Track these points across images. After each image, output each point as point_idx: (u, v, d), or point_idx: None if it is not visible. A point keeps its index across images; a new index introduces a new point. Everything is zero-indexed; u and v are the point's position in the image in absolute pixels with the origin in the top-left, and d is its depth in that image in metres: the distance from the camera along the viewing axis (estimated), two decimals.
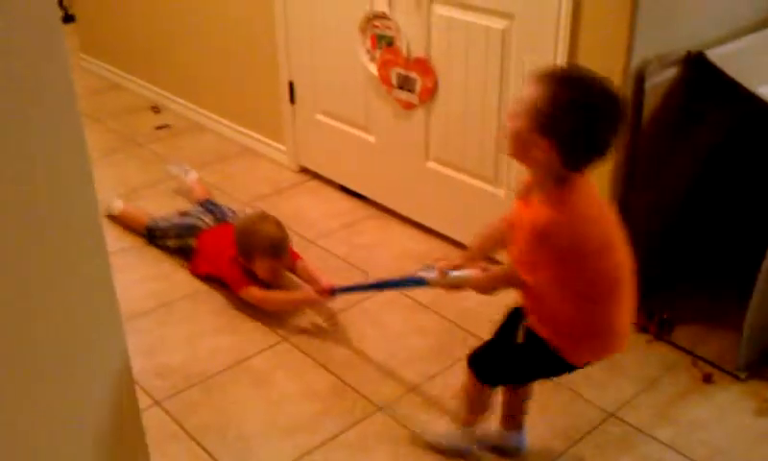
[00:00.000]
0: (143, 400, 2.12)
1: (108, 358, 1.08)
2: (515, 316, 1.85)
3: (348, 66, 3.03)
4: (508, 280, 1.72)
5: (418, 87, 2.79)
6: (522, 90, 1.60)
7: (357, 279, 2.69)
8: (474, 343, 2.38)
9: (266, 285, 2.57)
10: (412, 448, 2.03)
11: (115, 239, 2.93)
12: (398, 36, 2.78)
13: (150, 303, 2.60)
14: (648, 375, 2.30)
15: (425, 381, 2.26)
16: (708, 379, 2.27)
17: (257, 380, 2.27)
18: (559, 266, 1.60)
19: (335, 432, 2.08)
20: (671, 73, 2.37)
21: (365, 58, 2.94)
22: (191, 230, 2.81)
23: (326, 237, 2.98)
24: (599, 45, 2.29)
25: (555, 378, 2.01)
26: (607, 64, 2.27)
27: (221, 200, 3.08)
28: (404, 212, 3.08)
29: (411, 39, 2.76)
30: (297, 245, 2.79)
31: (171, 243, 2.86)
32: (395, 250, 2.91)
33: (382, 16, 2.81)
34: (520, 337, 1.80)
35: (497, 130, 2.61)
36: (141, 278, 2.75)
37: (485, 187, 2.74)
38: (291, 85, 3.34)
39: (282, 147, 3.50)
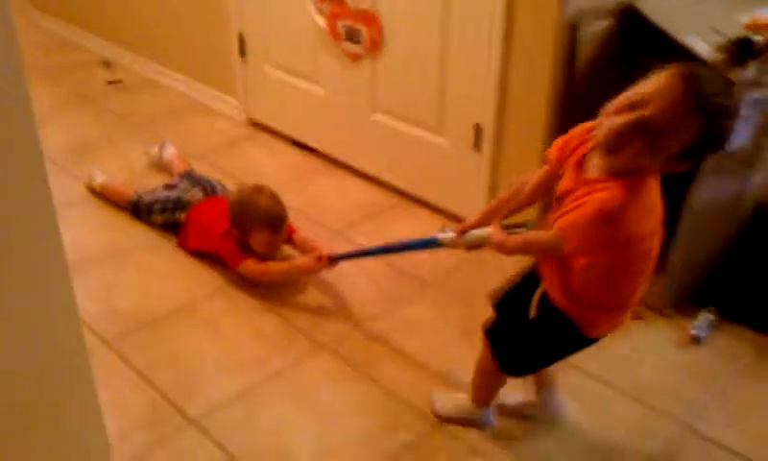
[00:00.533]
0: (92, 341, 2.19)
1: (54, 299, 1.12)
2: (522, 289, 1.80)
3: (297, 18, 3.08)
4: (545, 248, 1.63)
5: (364, 39, 2.85)
6: (639, 87, 1.47)
7: (311, 229, 2.76)
8: (418, 287, 2.51)
9: (261, 258, 2.50)
10: (354, 384, 2.13)
11: (71, 191, 2.97)
12: None
13: (103, 252, 2.65)
14: None
15: (369, 321, 2.36)
16: (637, 317, 2.40)
17: (206, 323, 2.35)
18: (610, 246, 1.53)
19: (281, 369, 2.17)
20: (604, 24, 2.47)
21: (313, 10, 2.99)
22: (179, 204, 2.71)
23: (278, 189, 3.03)
24: None
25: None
26: (542, 15, 2.36)
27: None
28: (353, 163, 3.16)
29: None
30: None
31: (157, 218, 2.74)
32: (345, 200, 2.99)
33: None
34: (533, 312, 1.74)
35: (440, 79, 2.69)
36: (96, 227, 2.79)
37: (429, 137, 2.82)
38: (241, 39, 3.38)
39: (233, 101, 3.55)
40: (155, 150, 3.17)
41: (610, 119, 1.47)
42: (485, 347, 1.87)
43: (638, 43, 2.52)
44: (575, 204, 1.52)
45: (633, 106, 1.44)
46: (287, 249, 2.61)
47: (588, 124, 1.62)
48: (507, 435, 1.99)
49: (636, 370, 2.19)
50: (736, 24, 2.48)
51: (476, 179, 2.72)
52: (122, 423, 1.96)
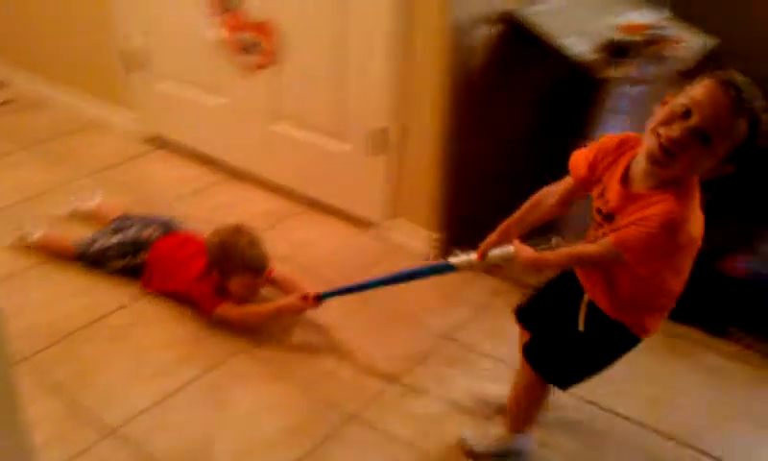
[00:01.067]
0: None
1: None
2: (552, 300, 1.86)
3: (194, 32, 3.10)
4: (596, 261, 1.64)
5: (261, 50, 2.91)
6: (681, 97, 1.52)
7: None
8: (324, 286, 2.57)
9: (238, 300, 2.41)
10: (269, 385, 2.19)
11: None
12: (242, 1, 2.89)
13: (3, 271, 2.60)
14: (479, 301, 2.56)
15: (281, 324, 2.42)
16: None
17: (117, 335, 2.35)
18: (673, 255, 1.58)
19: (197, 375, 2.20)
20: (490, 29, 2.62)
21: (210, 23, 3.03)
22: (138, 245, 2.56)
23: (179, 202, 3.06)
24: (428, 4, 2.49)
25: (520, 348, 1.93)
26: (432, 21, 2.49)
27: (67, 173, 3.07)
28: (255, 172, 3.20)
29: (254, 4, 2.88)
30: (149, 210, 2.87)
31: (116, 264, 2.57)
32: (249, 210, 3.01)
33: None
34: (581, 324, 1.74)
35: (339, 87, 2.78)
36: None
37: (332, 143, 2.90)
38: (136, 54, 3.37)
39: (129, 116, 3.53)
40: (76, 203, 2.94)
41: (663, 129, 1.51)
42: (526, 367, 1.85)
43: (522, 46, 2.70)
44: (631, 218, 1.55)
45: (683, 115, 1.49)
46: (264, 290, 2.50)
47: (616, 137, 1.68)
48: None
49: None
50: (609, 27, 2.69)
51: (380, 181, 2.82)
52: (39, 437, 1.94)
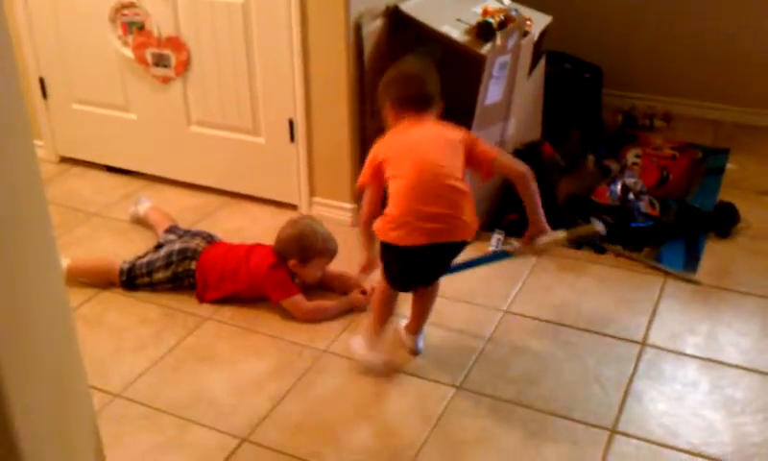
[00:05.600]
0: None
1: None
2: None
3: (102, 54, 3.35)
4: None
5: (173, 62, 3.21)
6: None
7: (147, 235, 3.05)
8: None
9: (305, 287, 2.66)
10: (245, 339, 2.51)
11: None
12: (148, 20, 3.18)
13: None
14: None
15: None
16: None
17: (93, 323, 2.59)
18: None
19: (177, 341, 2.49)
20: (379, 23, 3.06)
21: (118, 44, 3.29)
22: (186, 254, 2.69)
23: (106, 211, 3.28)
24: (324, 3, 2.88)
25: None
26: (331, 18, 2.89)
27: None
28: (174, 176, 3.47)
29: (161, 22, 3.17)
30: (81, 222, 3.09)
31: (161, 275, 2.68)
32: (177, 206, 3.27)
33: (130, 5, 3.19)
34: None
35: (250, 86, 3.13)
36: None
37: (247, 138, 3.24)
38: (42, 81, 3.55)
39: (40, 142, 3.67)
40: (132, 208, 3.17)
41: None
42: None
43: (408, 34, 3.16)
44: None
45: None
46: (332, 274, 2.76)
47: None
48: None
49: (458, 283, 2.76)
50: (473, 13, 3.22)
51: (295, 168, 3.18)
52: None
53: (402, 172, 2.19)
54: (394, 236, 2.19)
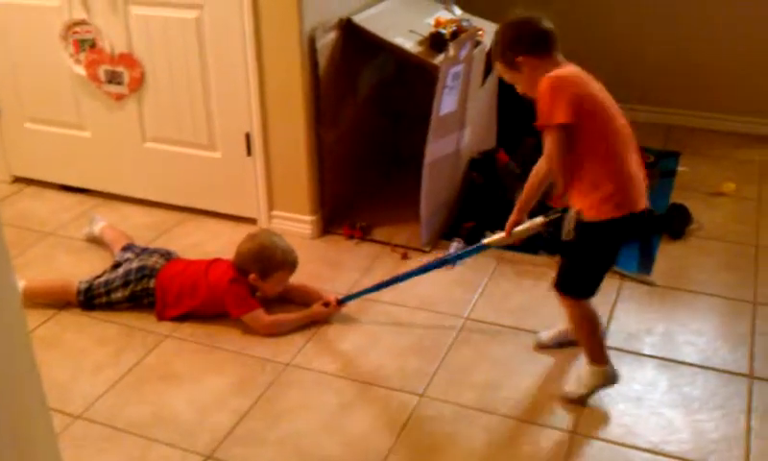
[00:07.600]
0: None
1: None
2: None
3: (53, 73, 3.31)
4: (545, 160, 2.08)
5: (126, 79, 3.18)
6: None
7: (104, 254, 3.02)
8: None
9: (265, 301, 2.64)
10: (207, 356, 2.49)
11: None
12: (100, 37, 3.15)
13: None
14: (363, 265, 2.99)
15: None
16: (405, 257, 3.03)
17: (51, 344, 2.54)
18: (553, 110, 2.01)
19: (136, 361, 2.46)
20: (333, 35, 3.07)
21: (69, 62, 3.25)
22: (143, 272, 2.66)
23: (61, 230, 3.24)
24: (278, 17, 2.88)
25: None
26: (285, 32, 2.89)
27: None
28: (131, 193, 3.44)
29: (113, 39, 3.15)
30: (36, 242, 3.05)
31: (119, 294, 2.65)
32: (134, 224, 3.25)
33: (81, 23, 3.16)
34: (569, 234, 2.14)
35: (205, 101, 3.11)
36: None
37: (204, 153, 3.23)
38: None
39: None
40: (86, 228, 3.14)
41: None
42: (560, 299, 2.24)
43: (360, 46, 3.18)
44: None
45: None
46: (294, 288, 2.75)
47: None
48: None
49: (419, 291, 2.79)
50: (425, 25, 3.25)
51: (253, 182, 3.17)
52: None
53: (606, 116, 2.00)
54: (610, 207, 1.98)
